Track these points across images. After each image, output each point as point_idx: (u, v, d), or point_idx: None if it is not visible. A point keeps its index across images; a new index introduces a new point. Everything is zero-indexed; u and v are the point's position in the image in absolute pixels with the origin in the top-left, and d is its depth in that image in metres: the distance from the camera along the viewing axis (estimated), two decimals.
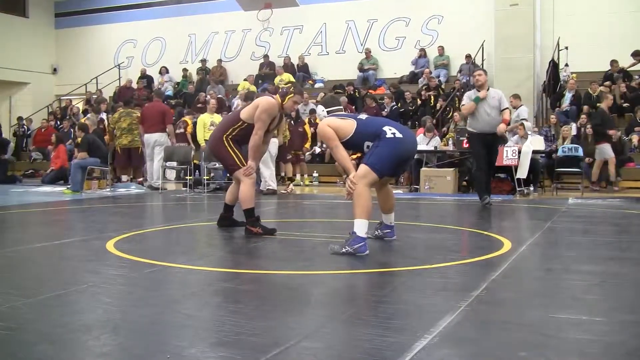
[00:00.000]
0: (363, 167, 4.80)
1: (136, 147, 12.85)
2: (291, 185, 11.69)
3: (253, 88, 16.42)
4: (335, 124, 4.97)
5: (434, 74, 16.81)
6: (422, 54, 17.43)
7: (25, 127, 19.32)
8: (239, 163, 5.87)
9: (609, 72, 14.84)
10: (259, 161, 6.21)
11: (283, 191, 11.46)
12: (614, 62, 14.78)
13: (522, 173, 10.74)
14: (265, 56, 19.08)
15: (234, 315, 3.09)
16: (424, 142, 12.28)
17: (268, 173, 10.99)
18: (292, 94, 5.92)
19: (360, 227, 4.67)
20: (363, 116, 5.20)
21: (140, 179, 13.01)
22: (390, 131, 4.84)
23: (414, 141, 5.17)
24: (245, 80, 17.90)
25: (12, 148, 17.82)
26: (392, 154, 4.84)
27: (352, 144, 5.02)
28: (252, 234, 5.72)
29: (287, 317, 3.09)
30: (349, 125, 4.94)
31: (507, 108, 8.61)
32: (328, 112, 5.26)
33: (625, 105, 14.12)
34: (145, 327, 2.89)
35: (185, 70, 19.78)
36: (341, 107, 5.52)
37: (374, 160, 4.79)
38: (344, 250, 4.64)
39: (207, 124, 11.76)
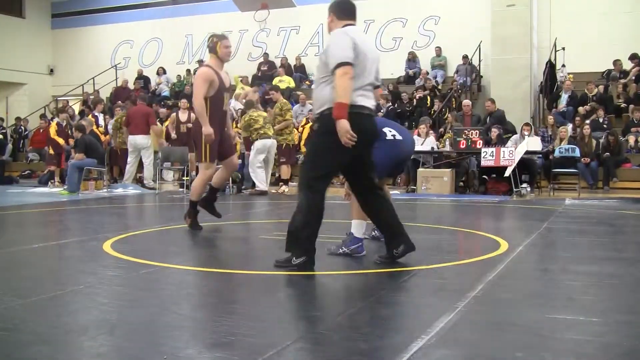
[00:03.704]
0: None
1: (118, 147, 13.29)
2: (284, 186, 11.68)
3: (247, 88, 16.33)
4: None
5: (431, 74, 16.82)
6: (411, 57, 17.44)
7: (22, 127, 19.27)
8: (203, 156, 6.14)
9: (612, 71, 14.84)
10: (219, 127, 6.23)
11: (273, 191, 11.47)
12: (616, 62, 14.79)
13: (508, 171, 10.72)
14: (265, 54, 19.01)
15: (230, 315, 3.08)
16: (419, 142, 12.24)
17: (262, 173, 11.03)
18: (217, 41, 6.17)
19: (358, 228, 4.68)
20: None
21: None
22: (390, 133, 4.85)
23: (412, 142, 5.19)
24: (240, 79, 17.72)
25: (10, 149, 17.79)
26: (391, 156, 4.87)
27: None
28: (184, 222, 6.23)
29: (284, 317, 3.09)
30: None
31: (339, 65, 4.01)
32: None
33: (622, 105, 14.14)
34: (142, 328, 2.89)
35: (188, 71, 19.74)
36: None
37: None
38: (340, 250, 4.64)
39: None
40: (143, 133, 12.45)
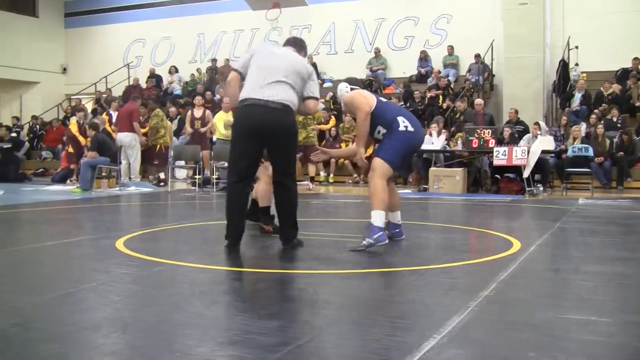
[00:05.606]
0: (378, 161, 4.95)
1: (154, 144, 13.40)
2: (310, 184, 11.71)
3: None
4: (365, 93, 5.15)
5: (443, 73, 16.78)
6: (423, 56, 17.39)
7: (37, 126, 19.40)
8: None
9: (630, 69, 14.68)
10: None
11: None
12: (635, 60, 14.64)
13: (526, 172, 10.71)
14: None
15: (243, 314, 3.09)
16: (430, 141, 12.16)
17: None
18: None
19: (378, 217, 4.78)
20: (382, 98, 5.33)
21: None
22: (403, 123, 4.99)
23: (422, 132, 5.36)
24: None
25: (27, 147, 17.90)
26: (404, 148, 5.03)
27: None
28: (264, 232, 5.76)
29: (296, 316, 3.10)
30: (372, 101, 5.07)
31: None
32: (352, 89, 5.32)
33: (637, 105, 14.03)
34: (154, 326, 2.90)
35: (198, 70, 19.81)
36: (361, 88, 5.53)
37: (388, 154, 4.94)
38: (365, 242, 4.68)
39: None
40: (126, 131, 12.60)
